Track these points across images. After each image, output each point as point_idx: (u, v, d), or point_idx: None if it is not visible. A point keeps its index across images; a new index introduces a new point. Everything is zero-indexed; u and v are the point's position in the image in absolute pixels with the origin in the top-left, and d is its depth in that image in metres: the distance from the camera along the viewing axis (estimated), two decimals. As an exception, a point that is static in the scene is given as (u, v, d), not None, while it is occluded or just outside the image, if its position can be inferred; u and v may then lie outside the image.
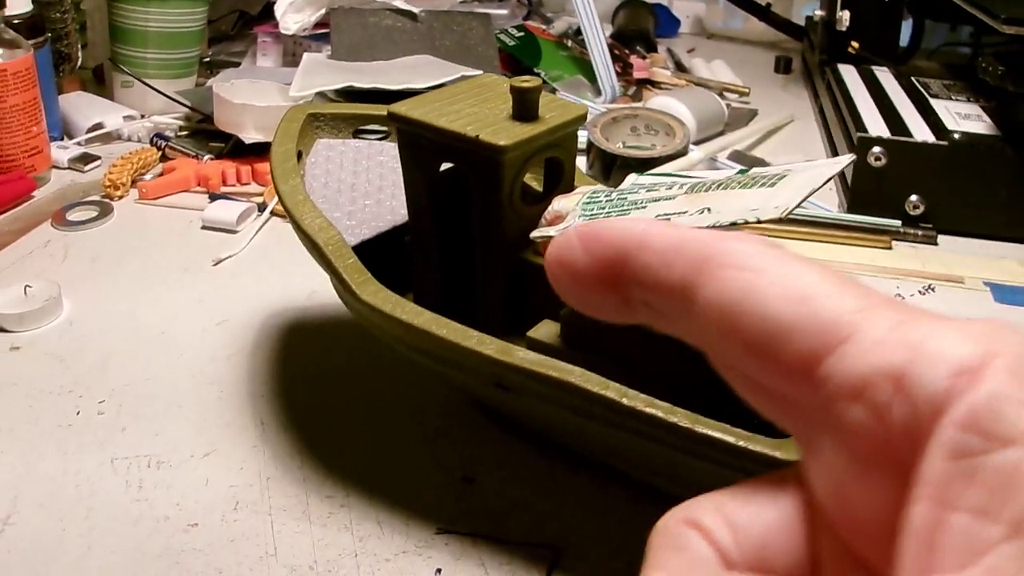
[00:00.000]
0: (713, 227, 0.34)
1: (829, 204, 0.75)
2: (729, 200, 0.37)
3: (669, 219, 0.37)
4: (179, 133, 0.81)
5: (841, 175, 0.79)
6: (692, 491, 0.38)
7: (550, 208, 0.42)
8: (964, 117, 0.75)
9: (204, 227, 0.67)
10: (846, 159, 0.40)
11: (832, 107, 0.92)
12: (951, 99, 0.81)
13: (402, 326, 0.39)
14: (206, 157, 0.76)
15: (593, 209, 0.41)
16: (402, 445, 0.46)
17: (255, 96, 0.75)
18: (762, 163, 0.84)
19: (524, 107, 0.41)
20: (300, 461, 0.44)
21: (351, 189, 0.48)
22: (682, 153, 0.81)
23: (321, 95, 0.79)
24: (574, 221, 0.40)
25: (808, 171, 0.38)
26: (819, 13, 1.04)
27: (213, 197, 0.71)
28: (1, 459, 0.44)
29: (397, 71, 0.86)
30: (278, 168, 0.46)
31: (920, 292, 0.63)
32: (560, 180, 0.44)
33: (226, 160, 0.75)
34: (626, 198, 0.41)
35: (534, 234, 0.40)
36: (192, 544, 0.40)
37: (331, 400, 0.49)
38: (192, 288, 0.60)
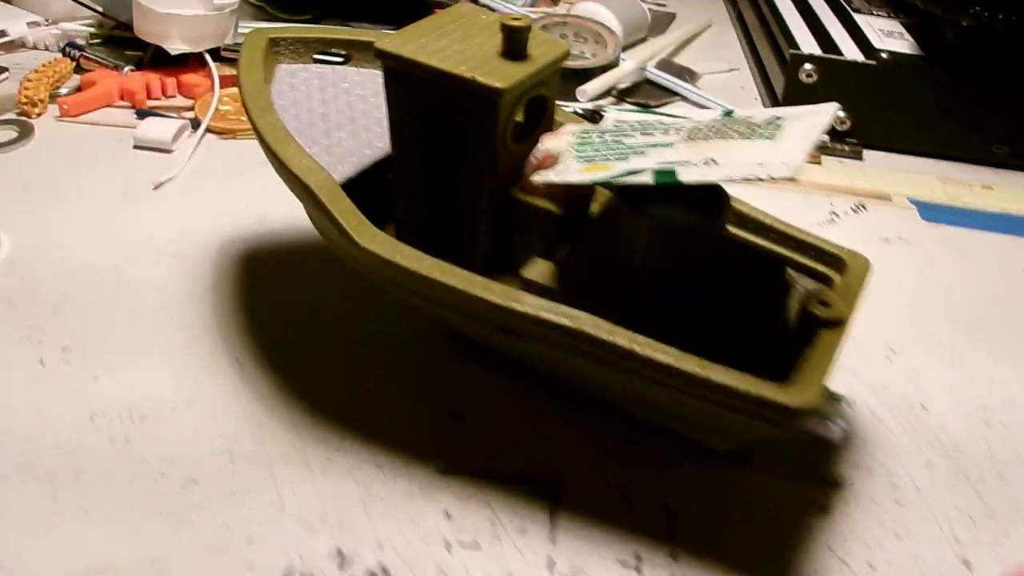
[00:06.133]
0: (724, 181, 0.35)
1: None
2: (733, 152, 0.37)
3: (673, 168, 0.37)
4: (91, 41, 0.75)
5: (771, 91, 0.80)
6: (692, 427, 0.40)
7: (539, 147, 0.42)
8: (887, 35, 0.77)
9: (136, 147, 0.64)
10: (831, 108, 0.41)
11: (755, 15, 0.93)
12: (872, 14, 0.83)
13: (404, 273, 0.38)
14: (127, 68, 0.71)
15: (587, 151, 0.41)
16: (385, 380, 0.46)
17: (177, 4, 0.71)
18: (690, 72, 0.84)
19: (514, 46, 0.40)
20: (285, 402, 0.44)
21: (323, 120, 0.47)
22: (614, 64, 0.81)
23: (245, 1, 0.75)
24: (570, 162, 0.40)
25: (800, 119, 0.39)
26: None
27: (141, 113, 0.67)
28: (-31, 414, 0.42)
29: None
30: (251, 102, 0.44)
31: (853, 210, 0.66)
32: (544, 116, 0.44)
33: (148, 72, 0.71)
34: (621, 141, 0.41)
35: (536, 178, 0.40)
36: (194, 501, 0.39)
37: (303, 333, 0.48)
38: (135, 215, 0.57)
